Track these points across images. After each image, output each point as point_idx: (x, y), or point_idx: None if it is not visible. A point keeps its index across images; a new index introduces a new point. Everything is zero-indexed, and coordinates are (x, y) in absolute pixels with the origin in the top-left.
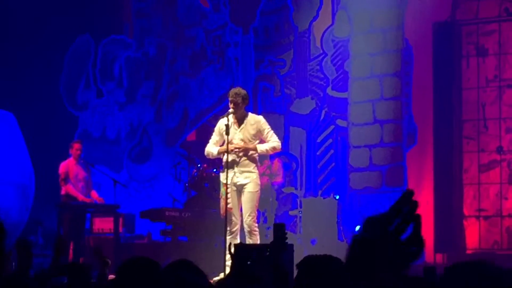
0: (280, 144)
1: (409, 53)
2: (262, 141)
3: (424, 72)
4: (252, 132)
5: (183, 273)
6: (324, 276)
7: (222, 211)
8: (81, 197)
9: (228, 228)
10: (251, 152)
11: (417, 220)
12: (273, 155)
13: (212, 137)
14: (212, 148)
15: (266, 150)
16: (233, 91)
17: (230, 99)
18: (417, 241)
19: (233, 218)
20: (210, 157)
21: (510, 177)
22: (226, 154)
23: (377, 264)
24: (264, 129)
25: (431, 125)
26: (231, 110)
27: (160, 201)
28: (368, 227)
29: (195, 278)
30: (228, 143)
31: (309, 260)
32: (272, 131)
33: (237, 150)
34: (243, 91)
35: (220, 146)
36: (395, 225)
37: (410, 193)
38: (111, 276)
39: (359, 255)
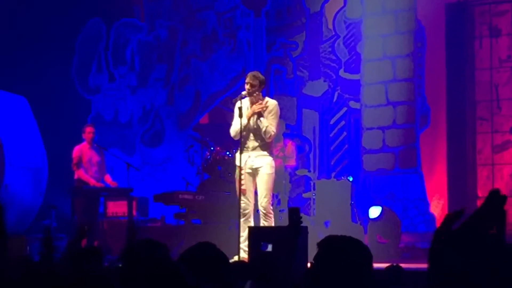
0: (273, 135)
1: (421, 34)
2: None
3: (437, 53)
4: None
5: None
6: (345, 256)
7: (238, 193)
8: (92, 182)
9: (241, 211)
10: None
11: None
12: (286, 138)
13: (234, 120)
14: (235, 126)
15: (266, 127)
16: (251, 73)
17: (246, 80)
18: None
19: (246, 200)
20: (237, 135)
21: None
22: (240, 137)
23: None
24: (271, 111)
25: (444, 106)
26: (244, 92)
27: (174, 185)
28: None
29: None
30: (241, 126)
31: (331, 240)
32: (276, 120)
33: (259, 108)
34: (261, 76)
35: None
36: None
37: (495, 193)
38: None
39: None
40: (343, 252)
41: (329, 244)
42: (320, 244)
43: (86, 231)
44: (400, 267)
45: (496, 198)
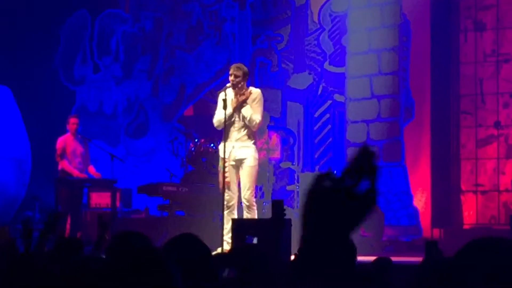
0: (258, 123)
1: (407, 27)
2: None
3: (422, 46)
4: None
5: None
6: (330, 249)
7: (221, 185)
8: (76, 173)
9: (225, 203)
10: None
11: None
12: (270, 130)
13: (216, 110)
14: (218, 116)
15: (251, 115)
16: (235, 64)
17: (230, 71)
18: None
19: (230, 192)
20: (221, 124)
21: (507, 152)
22: (224, 129)
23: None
24: (255, 99)
25: (429, 100)
26: (229, 84)
27: (158, 176)
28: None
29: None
30: (225, 118)
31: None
32: (260, 108)
33: (243, 98)
34: (245, 67)
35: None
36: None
37: (366, 148)
38: None
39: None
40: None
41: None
42: (304, 238)
43: (107, 223)
44: (389, 259)
45: (366, 153)
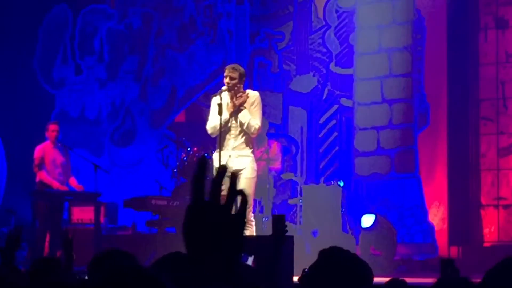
0: (258, 129)
1: (421, 25)
2: None
3: (438, 46)
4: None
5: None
6: (346, 271)
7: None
8: (56, 185)
9: None
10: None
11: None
12: (270, 138)
13: (210, 116)
14: (213, 121)
15: (249, 120)
16: (230, 65)
17: (225, 73)
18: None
19: None
20: (215, 131)
21: None
22: (219, 136)
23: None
24: (253, 103)
25: (445, 104)
26: (224, 87)
27: (146, 189)
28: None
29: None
30: (221, 124)
31: (335, 252)
32: (259, 112)
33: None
34: (241, 68)
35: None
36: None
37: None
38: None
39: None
40: (345, 267)
41: (332, 255)
42: (323, 254)
43: (70, 240)
44: (404, 282)
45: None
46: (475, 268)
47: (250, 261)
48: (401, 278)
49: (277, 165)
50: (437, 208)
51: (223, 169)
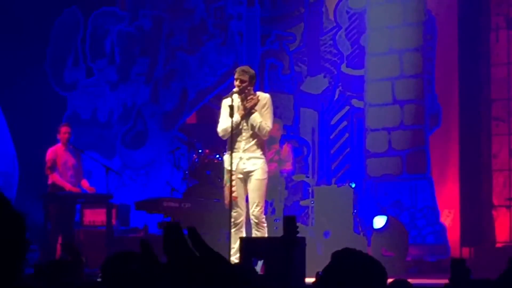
0: (269, 131)
1: (432, 25)
2: None
3: (449, 46)
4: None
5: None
6: (361, 273)
7: (227, 201)
8: (68, 187)
9: (232, 220)
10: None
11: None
12: (282, 140)
13: (220, 118)
14: (224, 124)
15: (260, 123)
16: (240, 68)
17: (236, 76)
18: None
19: (238, 208)
20: (226, 134)
21: None
22: (230, 138)
23: None
24: (264, 105)
25: (457, 105)
26: (235, 89)
27: (157, 191)
28: None
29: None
30: (232, 126)
31: (348, 253)
32: (270, 115)
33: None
34: (251, 70)
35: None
36: None
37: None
38: None
39: None
40: (360, 268)
41: (346, 257)
42: (336, 255)
43: (74, 246)
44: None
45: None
46: (487, 269)
47: (259, 266)
48: (407, 279)
49: (288, 166)
50: (448, 209)
51: (170, 228)
